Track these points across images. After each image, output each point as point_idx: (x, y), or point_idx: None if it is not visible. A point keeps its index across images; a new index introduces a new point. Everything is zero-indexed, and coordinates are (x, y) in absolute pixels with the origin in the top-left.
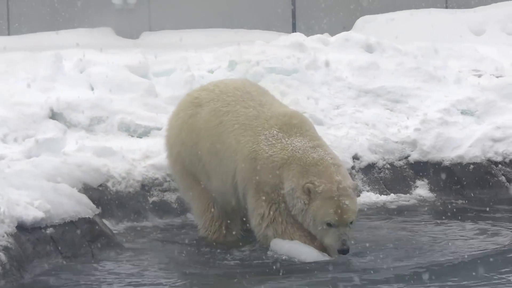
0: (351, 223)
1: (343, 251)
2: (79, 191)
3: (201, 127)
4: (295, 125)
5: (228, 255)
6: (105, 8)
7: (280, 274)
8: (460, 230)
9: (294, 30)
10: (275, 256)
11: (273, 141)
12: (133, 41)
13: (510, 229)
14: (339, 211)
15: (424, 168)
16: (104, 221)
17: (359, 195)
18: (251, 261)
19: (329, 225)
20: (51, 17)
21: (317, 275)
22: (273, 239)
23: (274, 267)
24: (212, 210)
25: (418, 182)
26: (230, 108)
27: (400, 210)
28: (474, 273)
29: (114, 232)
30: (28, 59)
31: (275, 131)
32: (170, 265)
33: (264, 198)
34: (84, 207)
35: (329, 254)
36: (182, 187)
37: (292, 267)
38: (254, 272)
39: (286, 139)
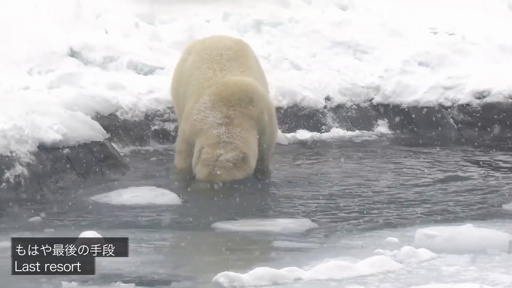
0: None
1: None
2: (92, 118)
3: (184, 72)
4: (222, 99)
5: None
6: None
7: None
8: (406, 161)
9: None
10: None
11: (202, 108)
12: None
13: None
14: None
15: (385, 110)
16: (113, 144)
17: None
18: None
19: None
20: None
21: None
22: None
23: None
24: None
25: (380, 121)
26: (201, 64)
27: (363, 144)
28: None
29: (121, 154)
30: (51, 3)
31: (207, 100)
32: (166, 182)
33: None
34: (96, 132)
35: None
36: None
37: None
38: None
39: (208, 111)
